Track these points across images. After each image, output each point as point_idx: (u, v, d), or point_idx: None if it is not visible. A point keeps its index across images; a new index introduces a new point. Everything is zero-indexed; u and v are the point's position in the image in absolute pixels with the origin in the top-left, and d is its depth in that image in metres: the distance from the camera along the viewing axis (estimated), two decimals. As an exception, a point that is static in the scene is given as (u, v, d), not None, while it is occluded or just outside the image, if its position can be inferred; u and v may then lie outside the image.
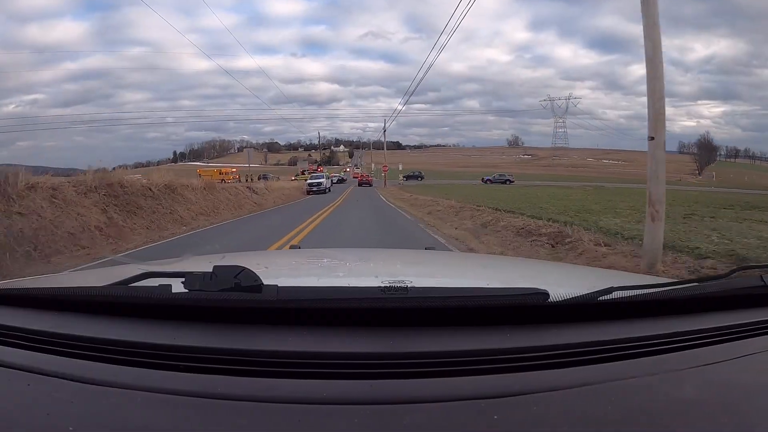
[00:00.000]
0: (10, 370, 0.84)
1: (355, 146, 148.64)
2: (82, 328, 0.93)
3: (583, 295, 0.94)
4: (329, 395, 0.73)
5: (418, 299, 0.92)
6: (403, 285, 0.93)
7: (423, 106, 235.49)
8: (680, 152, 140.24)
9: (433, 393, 0.74)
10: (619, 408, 0.73)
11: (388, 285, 0.92)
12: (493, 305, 0.93)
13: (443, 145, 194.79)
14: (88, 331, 0.91)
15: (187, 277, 0.92)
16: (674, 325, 0.96)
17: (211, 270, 0.92)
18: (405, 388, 0.75)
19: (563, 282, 1.57)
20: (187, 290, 0.91)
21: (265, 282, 0.91)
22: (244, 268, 0.92)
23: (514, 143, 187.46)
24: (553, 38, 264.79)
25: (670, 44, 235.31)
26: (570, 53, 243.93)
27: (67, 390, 0.77)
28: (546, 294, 0.91)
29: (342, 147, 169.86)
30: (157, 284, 0.95)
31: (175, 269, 0.99)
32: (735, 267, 1.17)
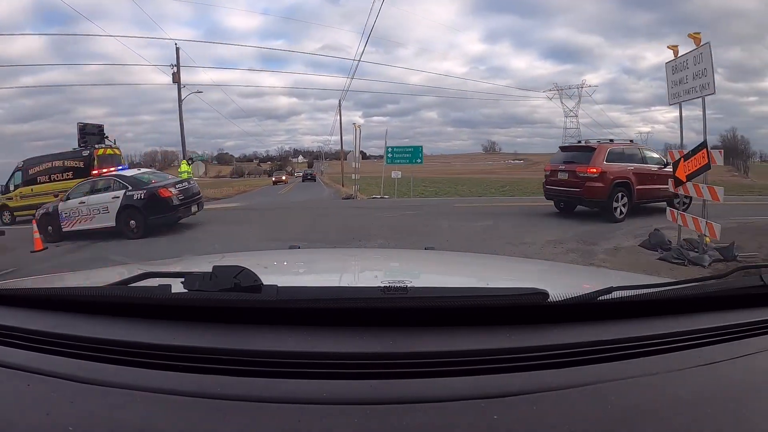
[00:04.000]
0: (10, 370, 0.83)
1: (314, 157, 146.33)
2: (82, 328, 0.93)
3: (582, 294, 0.95)
4: (329, 395, 0.73)
5: (418, 299, 0.92)
6: (402, 285, 0.92)
7: (383, 118, 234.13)
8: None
9: (433, 393, 0.74)
10: (619, 408, 0.73)
11: (387, 285, 0.92)
12: (493, 305, 0.93)
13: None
14: (88, 331, 0.91)
15: (187, 277, 0.93)
16: (674, 324, 0.96)
17: (210, 270, 0.92)
18: (405, 388, 0.75)
19: (563, 282, 1.59)
20: (186, 290, 0.91)
21: (265, 282, 0.91)
22: (243, 268, 0.93)
23: (490, 149, 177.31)
24: (508, 50, 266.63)
25: (623, 54, 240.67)
26: (525, 64, 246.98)
27: (66, 390, 0.77)
28: (546, 294, 0.91)
29: (300, 157, 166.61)
30: (156, 284, 0.96)
31: (175, 269, 1.03)
32: (735, 267, 1.17)
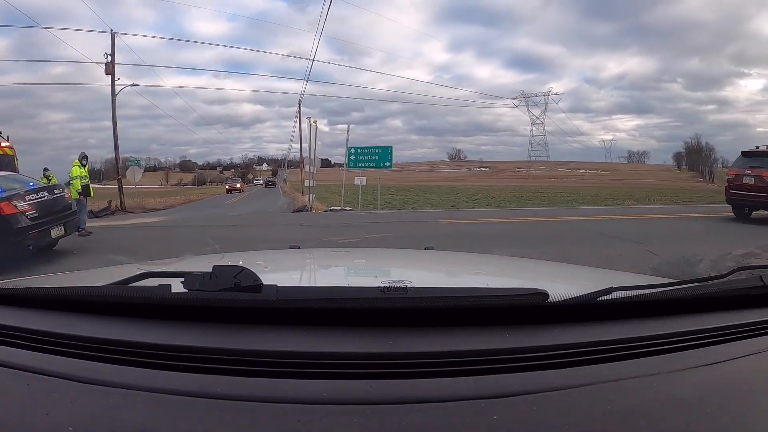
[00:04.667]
0: (10, 369, 0.84)
1: (278, 164, 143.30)
2: (82, 327, 0.93)
3: (582, 295, 0.95)
4: (329, 395, 0.74)
5: (418, 299, 0.92)
6: (402, 285, 0.92)
7: (344, 127, 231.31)
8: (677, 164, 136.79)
9: (433, 393, 0.74)
10: (619, 408, 0.73)
11: (387, 285, 0.92)
12: (493, 305, 0.93)
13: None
14: (88, 331, 0.91)
15: (187, 277, 0.93)
16: (674, 325, 0.96)
17: (210, 270, 0.92)
18: (404, 388, 0.75)
19: (563, 282, 1.61)
20: (186, 290, 0.91)
21: (265, 282, 0.91)
22: (243, 268, 0.92)
23: (455, 157, 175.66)
24: (472, 59, 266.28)
25: (584, 64, 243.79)
26: (488, 73, 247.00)
27: (66, 390, 0.77)
28: (545, 294, 0.91)
29: (265, 165, 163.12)
30: (156, 284, 0.96)
31: (175, 269, 1.01)
32: (735, 267, 1.17)
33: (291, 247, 2.38)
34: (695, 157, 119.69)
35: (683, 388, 0.79)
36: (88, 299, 1.02)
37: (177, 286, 0.93)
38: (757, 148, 12.84)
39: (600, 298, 0.95)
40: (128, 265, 1.90)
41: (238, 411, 0.71)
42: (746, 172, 12.29)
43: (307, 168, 22.08)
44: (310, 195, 21.43)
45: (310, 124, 21.06)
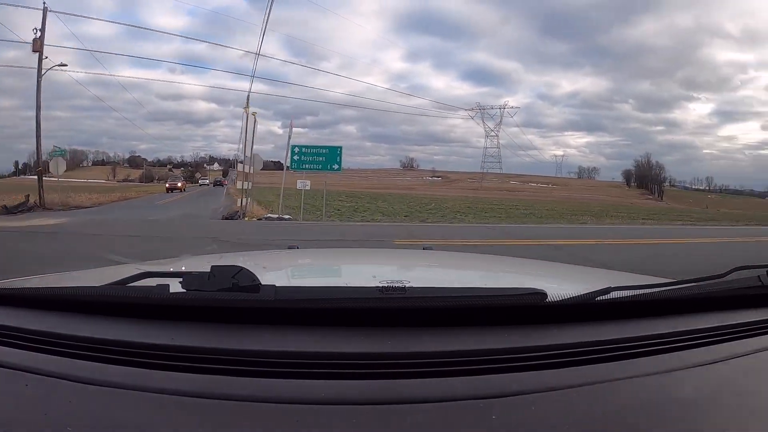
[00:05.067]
0: (8, 370, 0.84)
1: (229, 165, 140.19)
2: (80, 328, 0.93)
3: (581, 295, 0.95)
4: (327, 395, 0.74)
5: (416, 299, 0.92)
6: (401, 285, 0.92)
7: (302, 129, 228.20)
8: (627, 182, 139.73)
9: (431, 393, 0.74)
10: (618, 408, 0.74)
11: (386, 285, 0.92)
12: (491, 305, 0.93)
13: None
14: (86, 331, 0.91)
15: (185, 277, 0.92)
16: (672, 325, 0.96)
17: (208, 270, 0.92)
18: (403, 388, 0.75)
19: (561, 282, 1.62)
20: (184, 290, 0.91)
21: (263, 282, 0.91)
22: (241, 268, 0.93)
23: (408, 165, 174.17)
24: (429, 69, 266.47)
25: (539, 81, 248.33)
26: (444, 84, 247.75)
27: (64, 390, 0.77)
28: (544, 294, 0.91)
29: (216, 165, 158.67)
30: (154, 284, 0.95)
31: (173, 269, 1.03)
32: (733, 267, 1.17)
33: (290, 248, 2.40)
34: (645, 175, 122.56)
35: (682, 388, 0.80)
36: (87, 299, 1.01)
37: (175, 286, 0.92)
38: None
39: (598, 298, 0.95)
40: (126, 265, 1.89)
41: (237, 411, 0.70)
42: None
43: (242, 168, 18.95)
44: (246, 200, 18.48)
45: (247, 116, 17.66)
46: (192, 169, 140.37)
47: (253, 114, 17.90)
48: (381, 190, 72.82)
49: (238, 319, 0.92)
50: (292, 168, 17.62)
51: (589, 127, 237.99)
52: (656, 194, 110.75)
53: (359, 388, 0.75)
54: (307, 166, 17.34)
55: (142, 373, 0.79)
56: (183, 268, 1.02)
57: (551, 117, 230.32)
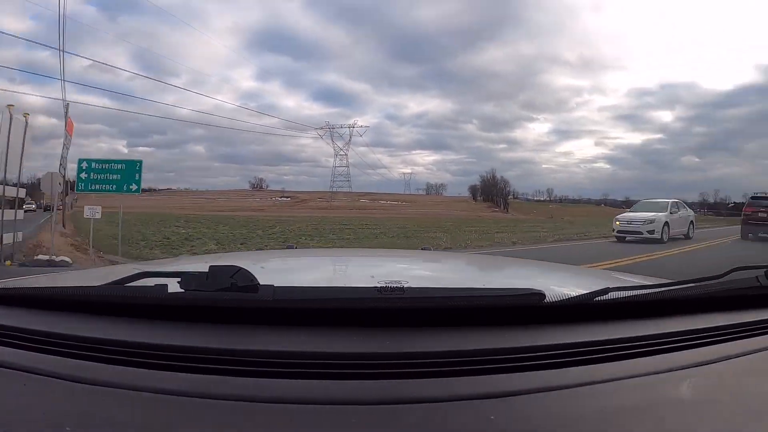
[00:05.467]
0: (6, 369, 0.83)
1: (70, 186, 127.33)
2: (78, 327, 0.93)
3: (579, 295, 0.96)
4: (326, 395, 0.74)
5: (414, 299, 0.92)
6: (399, 285, 0.92)
7: (148, 149, 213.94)
8: (473, 196, 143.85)
9: (430, 393, 0.74)
10: (616, 408, 0.74)
11: (384, 285, 0.91)
12: (490, 305, 0.93)
13: (175, 189, 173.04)
14: (84, 331, 0.91)
15: (183, 276, 0.92)
16: (670, 325, 0.97)
17: (207, 270, 0.92)
18: (401, 388, 0.76)
19: (560, 282, 1.60)
20: (183, 290, 0.91)
21: (262, 282, 0.91)
22: (240, 268, 0.92)
23: (257, 186, 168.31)
24: (279, 89, 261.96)
25: (387, 102, 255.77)
26: (295, 104, 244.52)
27: (63, 390, 0.77)
28: (542, 294, 0.91)
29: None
30: (152, 284, 0.95)
31: (171, 269, 1.02)
32: (731, 268, 1.17)
33: (288, 247, 2.59)
34: (490, 189, 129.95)
35: (680, 389, 0.81)
36: (85, 299, 1.02)
37: (173, 286, 0.92)
38: (765, 193, 20.02)
39: (597, 299, 0.96)
40: (125, 265, 2.04)
41: (236, 411, 0.70)
42: (760, 210, 18.96)
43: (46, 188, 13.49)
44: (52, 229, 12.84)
45: (11, 117, 10.18)
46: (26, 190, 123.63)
47: (25, 116, 12.40)
48: (227, 212, 69.61)
49: (237, 320, 0.91)
50: (78, 189, 13.34)
51: (436, 146, 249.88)
52: (502, 207, 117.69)
53: (358, 388, 0.75)
54: (97, 186, 12.66)
55: (140, 373, 0.79)
56: (181, 268, 0.99)
57: (399, 137, 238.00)
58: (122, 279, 1.00)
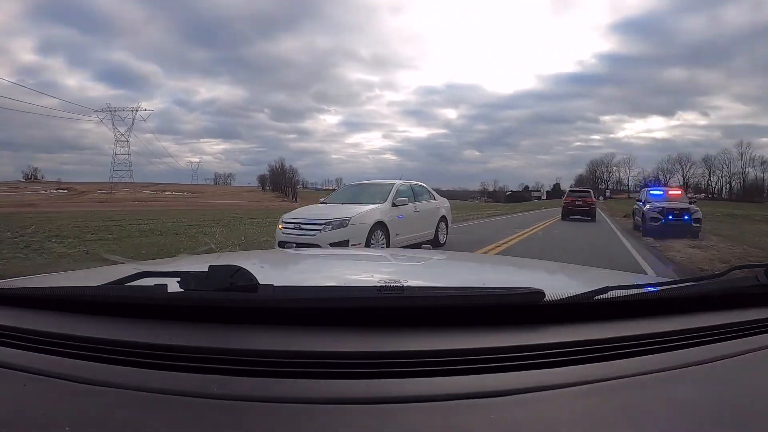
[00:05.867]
0: (6, 370, 0.84)
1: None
2: (78, 327, 0.93)
3: (579, 294, 0.96)
4: (326, 395, 0.74)
5: (414, 299, 0.92)
6: (398, 285, 0.93)
7: None
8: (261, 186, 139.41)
9: (430, 392, 0.75)
10: (616, 407, 0.74)
11: (384, 284, 0.92)
12: (490, 304, 0.93)
13: None
14: (84, 331, 0.91)
15: (183, 276, 0.92)
16: (670, 324, 0.97)
17: (206, 269, 0.92)
18: (401, 388, 0.76)
19: (559, 281, 1.64)
20: (182, 290, 0.91)
21: (261, 281, 0.91)
22: (239, 268, 0.92)
23: (31, 176, 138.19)
24: (62, 65, 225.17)
25: (177, 86, 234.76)
26: (77, 83, 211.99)
27: (63, 390, 0.78)
28: (542, 293, 0.91)
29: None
30: (152, 284, 0.95)
31: (171, 269, 1.00)
32: (731, 266, 1.17)
33: (287, 247, 2.56)
34: (279, 179, 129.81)
35: (680, 387, 0.80)
36: (84, 299, 1.01)
37: (173, 285, 0.92)
38: (578, 188, 29.64)
39: (596, 297, 0.96)
40: (124, 265, 1.96)
41: (236, 411, 0.70)
42: (576, 200, 25.73)
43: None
44: None
45: None
46: None
47: None
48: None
49: (236, 319, 0.91)
50: None
51: (226, 134, 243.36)
52: (291, 196, 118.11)
53: (358, 388, 0.75)
54: None
55: (140, 372, 0.79)
56: (181, 267, 1.02)
57: (188, 124, 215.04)
58: (122, 279, 1.00)
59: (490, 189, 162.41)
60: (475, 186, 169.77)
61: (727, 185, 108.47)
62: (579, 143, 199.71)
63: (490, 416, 0.69)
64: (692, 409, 0.75)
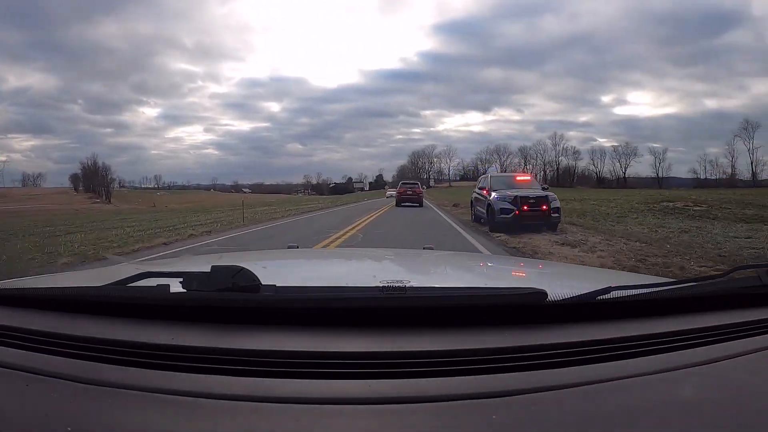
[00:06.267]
0: (8, 370, 0.84)
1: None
2: (80, 328, 0.93)
3: (581, 294, 0.95)
4: (328, 395, 0.74)
5: (417, 299, 0.93)
6: (401, 285, 0.93)
7: None
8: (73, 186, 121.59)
9: (431, 392, 0.74)
10: (618, 407, 0.74)
11: (386, 285, 0.92)
12: (492, 305, 0.93)
13: None
14: (86, 331, 0.91)
15: (185, 276, 0.93)
16: (672, 324, 0.96)
17: (208, 270, 0.92)
18: (403, 388, 0.75)
19: (561, 281, 1.60)
20: (185, 290, 0.91)
21: (264, 282, 0.92)
22: (242, 268, 0.93)
23: None
24: None
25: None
26: None
27: (65, 390, 0.77)
28: (544, 293, 0.91)
29: None
30: (155, 284, 0.95)
31: (173, 269, 1.00)
32: (733, 267, 1.17)
33: (289, 247, 2.42)
34: (92, 177, 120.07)
35: (682, 387, 0.80)
36: (87, 299, 1.02)
37: (175, 286, 0.93)
38: (408, 180, 37.05)
39: (599, 298, 0.95)
40: (126, 265, 1.90)
41: (237, 411, 0.70)
42: (407, 190, 31.23)
43: None
44: None
45: None
46: None
47: None
48: None
49: (239, 319, 0.92)
50: None
51: (36, 128, 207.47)
52: (104, 197, 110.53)
53: (360, 388, 0.75)
54: None
55: (142, 373, 0.79)
56: (183, 268, 1.04)
57: None
58: (124, 279, 1.00)
59: (314, 182, 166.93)
60: (299, 179, 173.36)
61: (542, 172, 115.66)
62: (401, 136, 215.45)
63: (493, 417, 0.69)
64: (696, 410, 0.74)
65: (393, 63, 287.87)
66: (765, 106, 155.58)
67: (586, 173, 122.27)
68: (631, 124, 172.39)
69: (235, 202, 43.09)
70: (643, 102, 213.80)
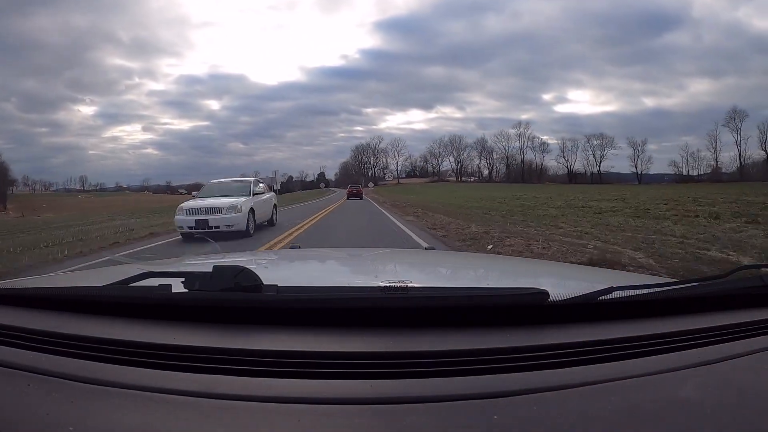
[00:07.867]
0: (10, 370, 0.84)
1: None
2: (82, 327, 0.93)
3: (583, 294, 0.95)
4: (329, 395, 0.74)
5: (418, 299, 0.93)
6: (402, 285, 0.93)
7: None
8: None
9: (433, 392, 0.74)
10: (619, 407, 0.73)
11: (388, 285, 0.92)
12: (493, 305, 0.93)
13: None
14: (88, 331, 0.91)
15: (187, 276, 0.93)
16: (674, 324, 0.96)
17: (210, 270, 0.92)
18: (405, 388, 0.75)
19: (563, 281, 1.61)
20: (187, 290, 0.92)
21: (265, 282, 0.92)
22: (243, 268, 0.93)
23: None
24: None
25: None
26: None
27: (66, 390, 0.77)
28: (546, 293, 0.91)
29: None
30: (157, 284, 0.96)
31: (175, 269, 1.01)
32: (735, 267, 1.16)
33: (292, 247, 2.47)
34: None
35: (684, 388, 0.79)
36: (89, 299, 1.02)
37: (177, 286, 0.93)
38: (354, 183, 53.27)
39: (601, 298, 0.95)
40: (128, 265, 1.95)
41: (239, 411, 0.70)
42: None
43: None
44: None
45: None
46: None
47: None
48: None
49: (240, 319, 0.91)
50: None
51: None
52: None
53: (361, 388, 0.75)
54: None
55: (144, 372, 0.79)
56: (185, 268, 1.03)
57: None
58: (126, 279, 1.01)
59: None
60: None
61: (504, 167, 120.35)
62: (343, 134, 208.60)
63: (495, 417, 0.69)
64: (698, 410, 0.74)
65: (335, 60, 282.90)
66: (702, 104, 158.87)
67: (558, 171, 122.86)
68: (571, 121, 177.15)
69: (153, 206, 42.80)
70: (584, 100, 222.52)
